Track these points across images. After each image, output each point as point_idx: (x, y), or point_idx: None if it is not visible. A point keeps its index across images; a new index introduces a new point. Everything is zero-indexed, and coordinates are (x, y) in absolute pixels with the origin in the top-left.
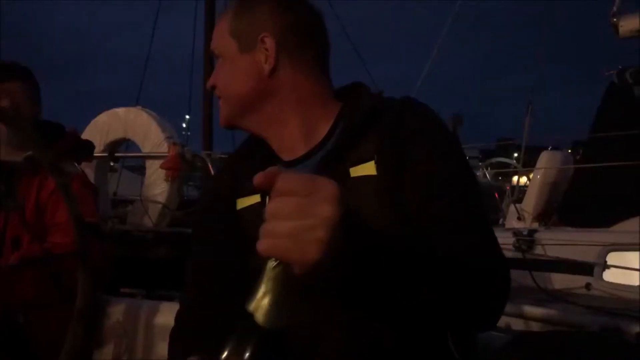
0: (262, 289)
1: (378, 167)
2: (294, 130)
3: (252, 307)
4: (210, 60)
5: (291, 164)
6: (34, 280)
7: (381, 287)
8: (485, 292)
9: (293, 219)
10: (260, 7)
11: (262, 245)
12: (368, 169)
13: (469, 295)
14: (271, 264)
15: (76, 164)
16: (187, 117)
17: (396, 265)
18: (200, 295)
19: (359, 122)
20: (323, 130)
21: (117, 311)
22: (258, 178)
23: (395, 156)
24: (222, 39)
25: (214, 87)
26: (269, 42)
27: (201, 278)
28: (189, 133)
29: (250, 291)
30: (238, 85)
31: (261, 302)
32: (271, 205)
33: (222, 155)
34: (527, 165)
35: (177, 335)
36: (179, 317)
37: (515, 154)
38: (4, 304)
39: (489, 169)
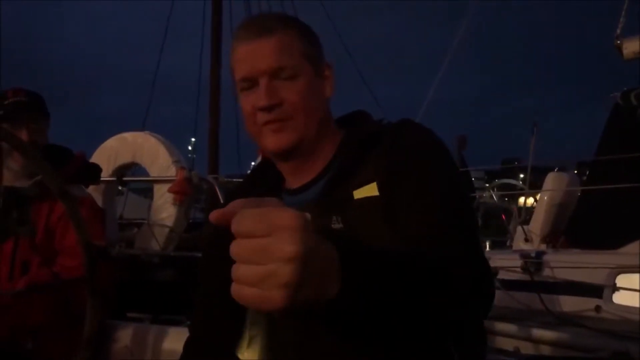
0: (247, 334)
1: (380, 187)
2: (322, 158)
3: (241, 354)
4: (217, 85)
5: (296, 192)
6: (42, 306)
7: (377, 310)
8: (468, 304)
9: (253, 263)
10: (317, 36)
11: (232, 290)
12: (370, 190)
13: (454, 307)
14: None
15: (83, 187)
16: (193, 139)
17: (393, 285)
18: (208, 325)
19: (357, 148)
20: (327, 157)
21: (124, 336)
22: (213, 215)
23: (394, 176)
24: (297, 60)
25: (274, 106)
26: (331, 72)
27: (208, 308)
28: (194, 156)
29: (239, 335)
30: (317, 107)
31: (249, 348)
32: (232, 248)
33: (229, 179)
34: (533, 186)
35: None
36: (187, 346)
37: (521, 175)
38: (13, 330)
39: (495, 190)
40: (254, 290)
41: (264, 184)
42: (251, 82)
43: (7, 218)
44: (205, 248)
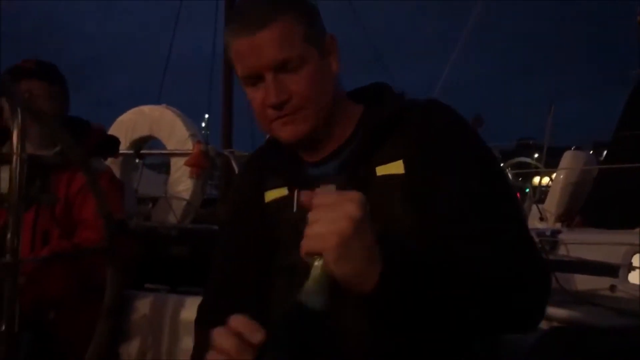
0: (307, 283)
1: (406, 166)
2: (340, 133)
3: (300, 297)
4: (229, 59)
5: (317, 165)
6: (63, 276)
7: (413, 292)
8: (521, 297)
9: (321, 221)
10: (316, 9)
11: (301, 246)
12: (395, 168)
13: (502, 300)
14: (314, 262)
15: (102, 160)
16: (207, 116)
17: (425, 272)
18: (225, 286)
19: (384, 124)
20: (346, 132)
21: (143, 305)
22: (304, 197)
23: (423, 157)
24: (300, 47)
25: (285, 101)
26: (334, 44)
27: (227, 269)
28: (208, 132)
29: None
30: (328, 92)
31: (307, 290)
32: (309, 216)
33: (245, 153)
34: (548, 166)
35: (202, 322)
36: (202, 305)
37: (536, 155)
38: (35, 300)
39: (509, 169)
40: (316, 237)
41: (282, 155)
42: (256, 78)
43: (30, 186)
44: (230, 213)
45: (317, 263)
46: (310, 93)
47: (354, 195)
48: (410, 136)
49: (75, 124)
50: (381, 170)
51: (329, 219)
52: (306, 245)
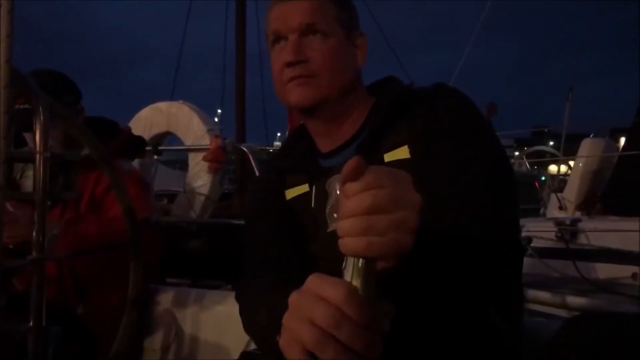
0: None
1: (411, 150)
2: (353, 123)
3: None
4: (242, 55)
5: (329, 155)
6: (90, 270)
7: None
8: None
9: (390, 212)
10: (352, 4)
11: (355, 244)
12: (402, 153)
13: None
14: (355, 260)
15: (130, 162)
16: (219, 111)
17: (435, 246)
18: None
19: (389, 110)
20: (358, 122)
21: (166, 299)
22: (348, 167)
23: (427, 139)
24: (329, 22)
25: (300, 62)
26: (364, 41)
27: (262, 256)
28: (221, 127)
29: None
30: (344, 70)
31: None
32: (364, 200)
33: (262, 148)
34: (567, 153)
35: (243, 291)
36: (239, 285)
37: (551, 142)
38: (63, 293)
39: (524, 158)
40: (388, 236)
41: (300, 148)
42: (281, 38)
43: (53, 184)
44: (255, 213)
45: (362, 263)
46: (326, 64)
47: (409, 178)
48: (415, 121)
49: (104, 125)
50: (388, 157)
51: (401, 218)
52: (371, 245)
